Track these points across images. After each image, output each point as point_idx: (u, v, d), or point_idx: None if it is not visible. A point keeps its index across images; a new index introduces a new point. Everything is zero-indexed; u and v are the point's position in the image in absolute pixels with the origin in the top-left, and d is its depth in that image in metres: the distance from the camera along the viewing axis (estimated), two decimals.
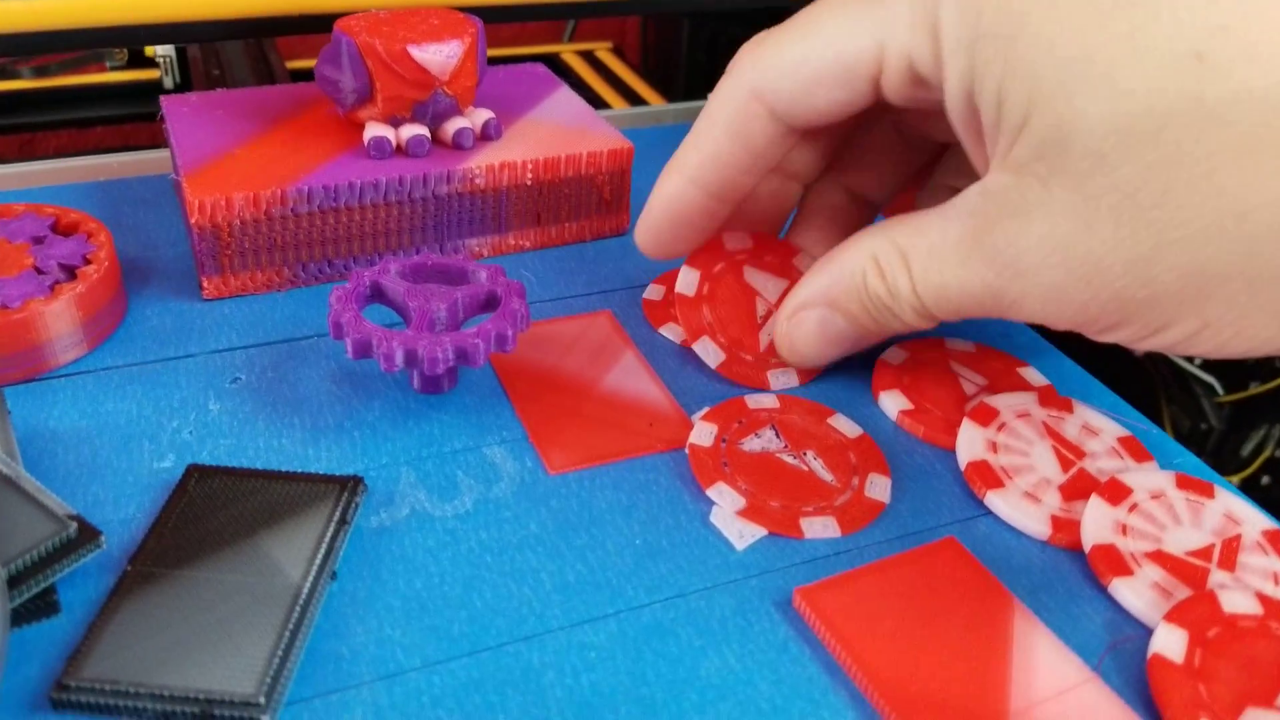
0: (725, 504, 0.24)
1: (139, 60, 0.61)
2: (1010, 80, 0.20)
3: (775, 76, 0.24)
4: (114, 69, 0.60)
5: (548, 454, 0.25)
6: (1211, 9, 0.18)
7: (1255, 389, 0.56)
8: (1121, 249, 0.20)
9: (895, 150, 0.29)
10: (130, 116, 0.60)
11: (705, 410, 0.27)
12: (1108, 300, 0.21)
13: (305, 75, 0.58)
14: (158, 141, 0.70)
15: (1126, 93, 0.19)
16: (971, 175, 0.24)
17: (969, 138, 0.23)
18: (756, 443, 0.26)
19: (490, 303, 0.27)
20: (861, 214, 0.30)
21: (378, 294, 0.27)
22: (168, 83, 0.57)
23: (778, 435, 0.26)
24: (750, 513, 0.23)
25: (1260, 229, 0.19)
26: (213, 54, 0.56)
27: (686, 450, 0.25)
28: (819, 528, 0.23)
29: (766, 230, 0.30)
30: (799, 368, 0.28)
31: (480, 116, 0.33)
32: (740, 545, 0.23)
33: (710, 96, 0.26)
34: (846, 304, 0.25)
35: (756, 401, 0.27)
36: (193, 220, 0.28)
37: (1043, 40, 0.20)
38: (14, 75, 0.59)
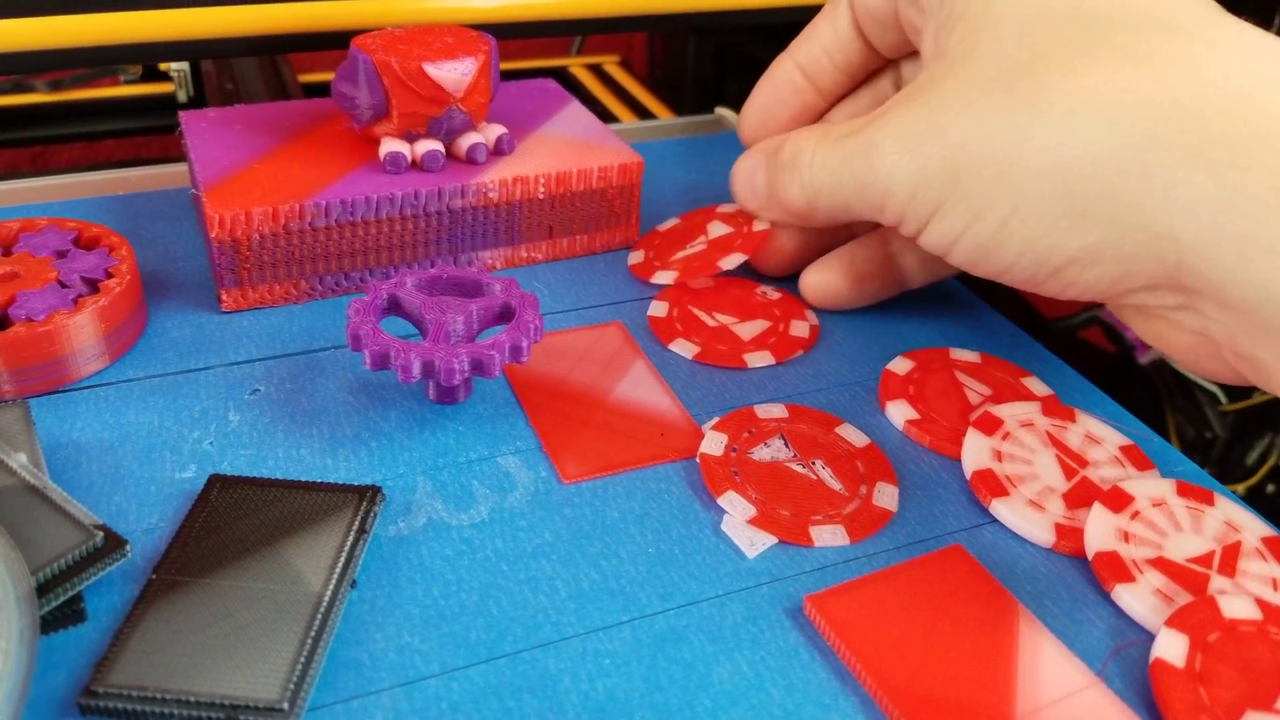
0: (736, 512, 0.24)
1: (152, 74, 0.61)
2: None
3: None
4: (128, 83, 0.60)
5: (561, 463, 0.26)
6: None
7: (1259, 397, 0.56)
8: (957, 133, 0.25)
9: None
10: (145, 130, 0.60)
11: (715, 420, 0.27)
12: (935, 170, 0.25)
13: (318, 89, 0.59)
14: (169, 154, 0.70)
15: (1022, 20, 0.25)
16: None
17: (914, 34, 0.29)
18: (766, 452, 0.26)
19: (505, 314, 0.27)
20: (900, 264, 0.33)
21: (394, 307, 0.27)
22: (181, 96, 0.57)
23: (786, 444, 0.26)
24: (761, 521, 0.24)
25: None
26: (226, 68, 0.57)
27: (698, 460, 0.26)
28: (828, 536, 0.24)
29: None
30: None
31: (493, 131, 0.33)
32: (751, 553, 0.23)
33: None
34: (761, 158, 0.32)
35: (766, 411, 0.27)
36: (212, 234, 0.29)
37: None
38: (29, 89, 0.60)
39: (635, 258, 0.35)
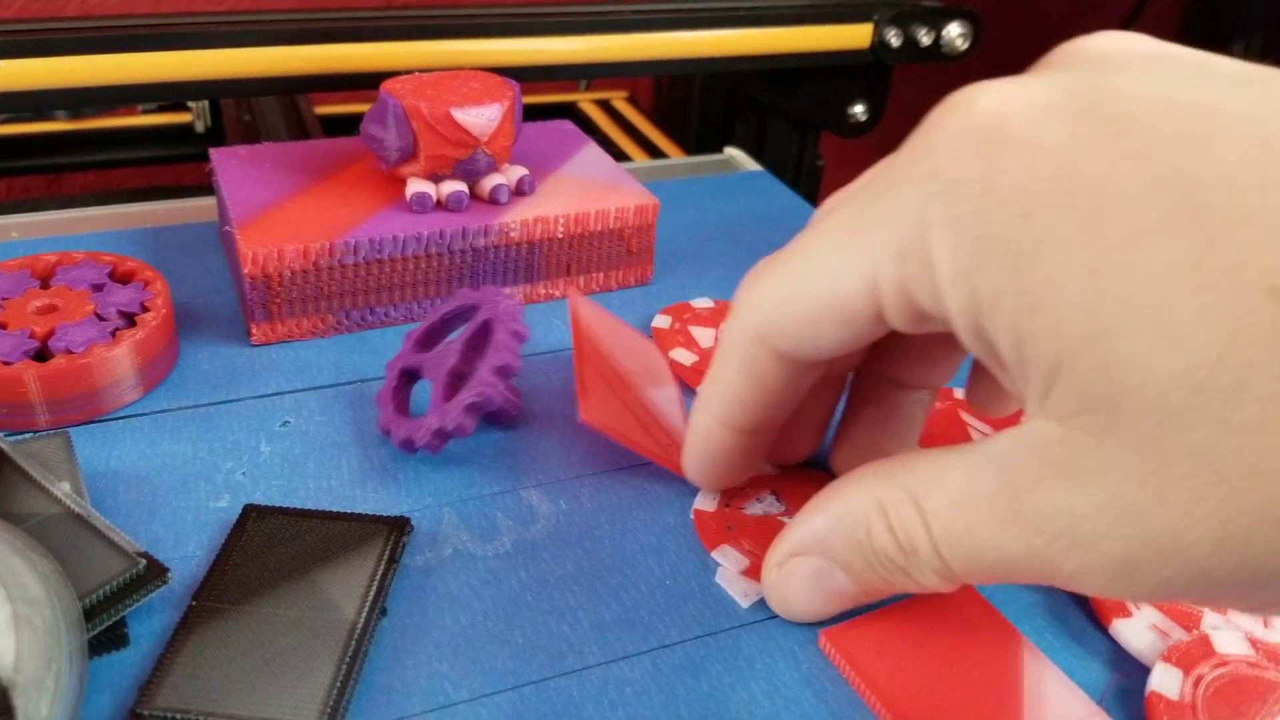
0: (730, 565, 0.25)
1: (171, 104, 0.63)
2: (1027, 318, 0.17)
3: (775, 319, 0.21)
4: (146, 112, 0.62)
5: (586, 404, 0.26)
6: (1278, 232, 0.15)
7: None
8: (1207, 525, 0.16)
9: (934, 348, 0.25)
10: (163, 159, 0.62)
11: None
12: (1196, 579, 0.16)
13: (334, 120, 0.60)
14: (183, 182, 0.72)
15: (1188, 337, 0.15)
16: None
17: (997, 370, 0.19)
18: (758, 507, 0.27)
19: (488, 328, 0.28)
20: (911, 401, 0.26)
21: (410, 376, 0.29)
22: (199, 127, 0.59)
23: (778, 499, 0.27)
24: (754, 573, 0.25)
25: None
26: (244, 100, 0.58)
27: (691, 515, 0.27)
28: None
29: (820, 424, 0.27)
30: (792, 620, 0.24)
31: (515, 173, 0.35)
32: (745, 603, 0.24)
33: (721, 332, 0.25)
34: (847, 556, 0.21)
35: (758, 468, 0.28)
36: (245, 271, 0.30)
37: (1065, 269, 0.16)
38: (49, 116, 0.61)
39: (662, 322, 0.34)
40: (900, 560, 0.20)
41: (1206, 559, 0.16)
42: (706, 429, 0.24)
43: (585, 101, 0.71)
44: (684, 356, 0.32)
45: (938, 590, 0.21)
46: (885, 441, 0.26)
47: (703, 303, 0.35)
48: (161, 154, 0.61)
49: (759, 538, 0.26)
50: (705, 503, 0.27)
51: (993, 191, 0.17)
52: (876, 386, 0.26)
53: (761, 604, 0.24)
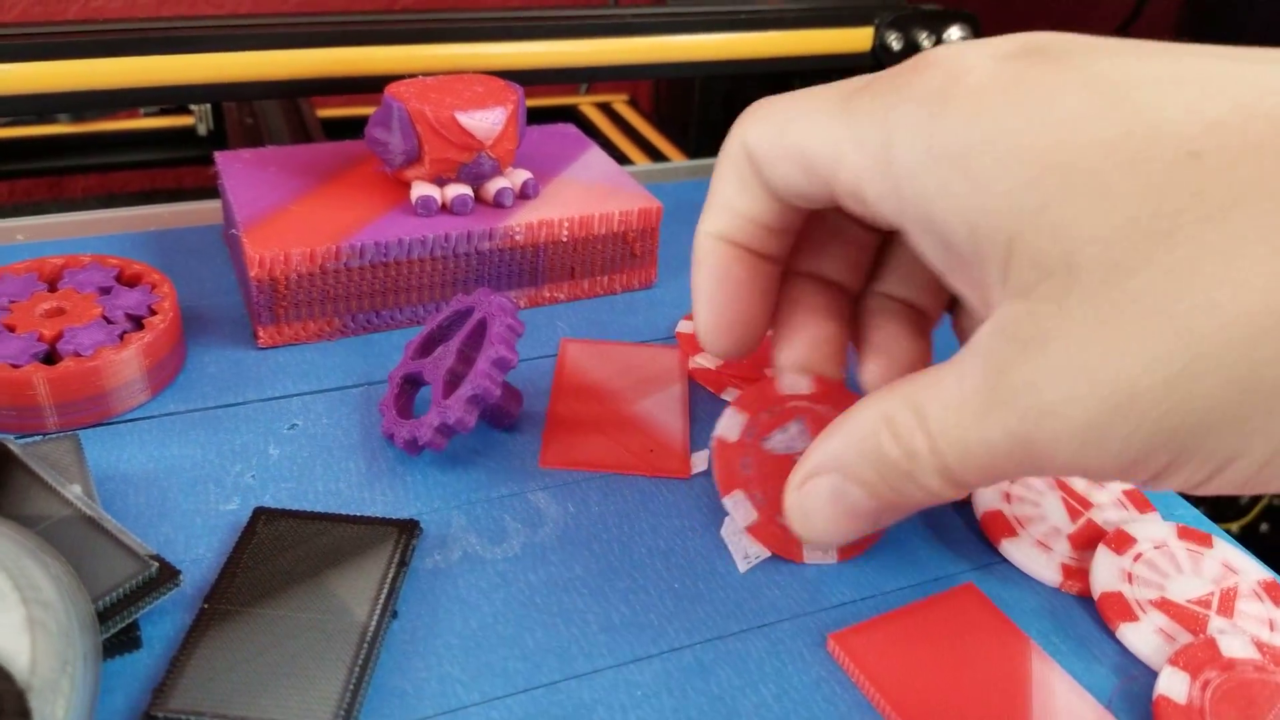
0: (738, 517, 0.25)
1: (174, 106, 0.63)
2: (979, 200, 0.19)
3: (758, 139, 0.23)
4: (148, 115, 0.62)
5: (545, 449, 0.28)
6: (1203, 105, 0.17)
7: None
8: (1156, 366, 0.17)
9: (853, 233, 0.26)
10: (165, 162, 0.62)
11: (738, 395, 0.27)
12: (1152, 433, 0.17)
13: (336, 123, 0.61)
14: (184, 184, 0.72)
15: (1124, 196, 0.17)
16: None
17: (949, 271, 0.21)
18: (781, 439, 0.26)
19: (483, 326, 0.29)
20: (840, 305, 0.27)
21: (412, 383, 0.29)
22: (201, 130, 0.59)
23: (804, 430, 0.26)
24: (759, 531, 0.25)
25: None
26: (247, 102, 0.58)
27: (712, 446, 0.26)
28: (819, 555, 0.25)
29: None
30: (815, 544, 0.25)
31: (519, 177, 0.35)
32: (743, 567, 0.24)
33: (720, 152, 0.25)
34: (860, 470, 0.22)
35: (792, 386, 0.26)
36: (252, 274, 0.30)
37: (1009, 152, 0.18)
38: (51, 119, 0.61)
39: (685, 327, 0.34)
40: (905, 466, 0.21)
41: (1158, 405, 0.17)
42: (707, 249, 0.25)
43: (586, 104, 0.71)
44: (708, 360, 0.33)
45: (946, 497, 0.22)
46: (902, 360, 0.26)
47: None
48: (164, 157, 0.61)
49: (773, 483, 0.25)
50: (729, 429, 0.26)
51: (949, 100, 0.19)
52: (883, 309, 0.26)
53: (771, 605, 0.24)
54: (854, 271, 0.26)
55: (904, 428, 0.21)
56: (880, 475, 0.22)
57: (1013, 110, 0.18)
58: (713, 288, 0.25)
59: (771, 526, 0.25)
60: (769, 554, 0.25)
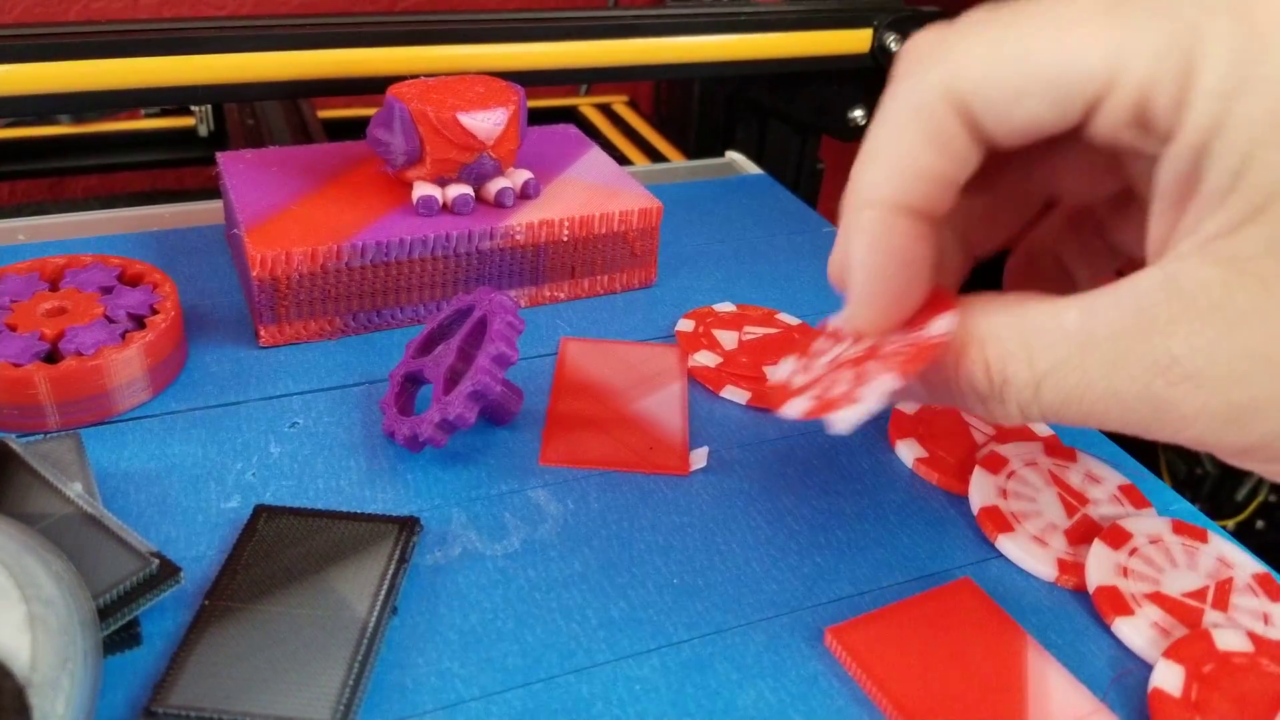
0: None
1: (175, 107, 0.63)
2: (1267, 150, 0.17)
3: (979, 76, 0.19)
4: (149, 115, 0.62)
5: (546, 447, 0.29)
6: None
7: None
8: None
9: (1017, 197, 0.24)
10: (166, 162, 0.62)
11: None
12: None
13: (337, 124, 0.61)
14: (184, 185, 0.72)
15: None
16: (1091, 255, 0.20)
17: (1167, 205, 0.19)
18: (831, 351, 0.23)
19: (483, 324, 0.29)
20: (959, 269, 0.25)
21: (413, 381, 0.29)
22: (202, 130, 0.59)
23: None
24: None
25: None
26: (248, 103, 0.58)
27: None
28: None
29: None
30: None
31: (520, 177, 0.35)
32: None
33: (886, 103, 0.21)
34: (928, 376, 0.21)
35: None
36: (254, 273, 0.30)
37: None
38: (52, 120, 0.61)
39: (685, 325, 0.34)
40: (985, 391, 0.20)
41: None
42: (878, 223, 0.20)
43: (586, 105, 0.71)
44: (708, 359, 0.33)
45: (1008, 422, 0.20)
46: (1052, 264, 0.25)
47: (725, 307, 0.36)
48: (164, 157, 0.61)
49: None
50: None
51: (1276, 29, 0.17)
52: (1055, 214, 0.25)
53: (769, 601, 0.24)
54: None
55: (1002, 354, 0.19)
56: (947, 390, 0.20)
57: None
58: (893, 268, 0.21)
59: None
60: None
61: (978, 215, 0.24)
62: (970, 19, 0.20)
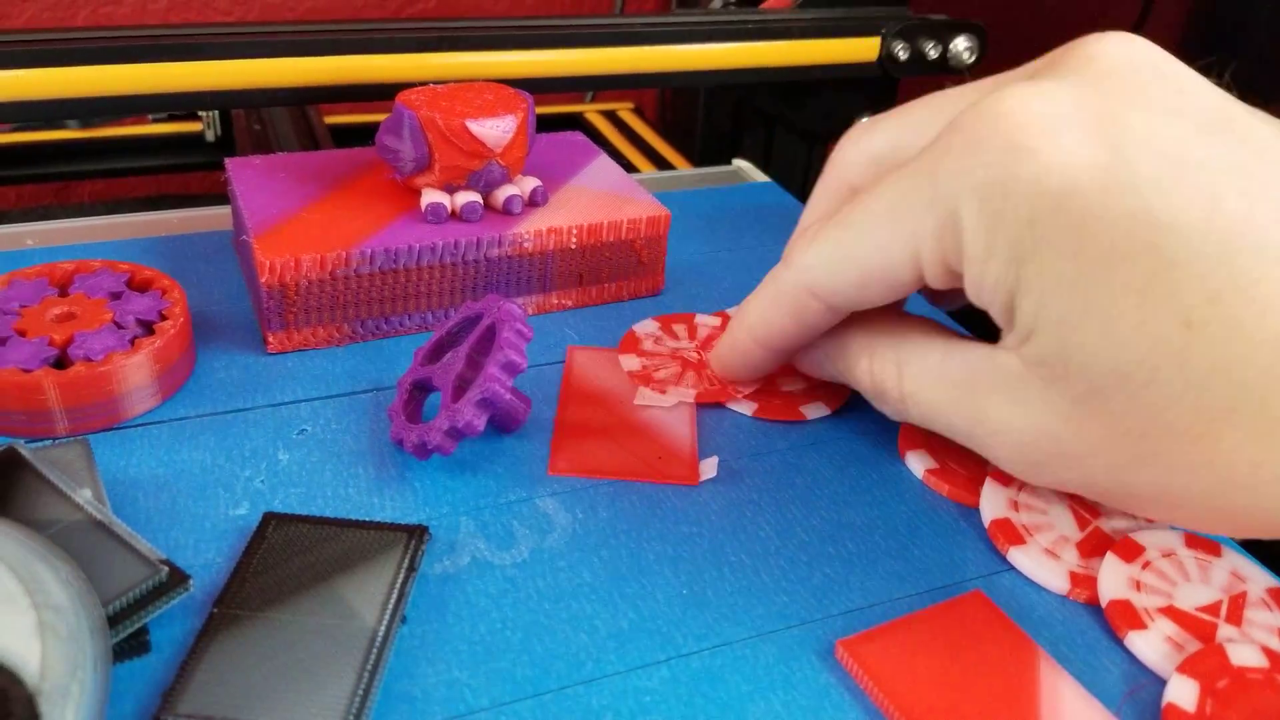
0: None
1: (182, 113, 0.63)
2: (1018, 297, 0.22)
3: (828, 279, 0.26)
4: (156, 121, 0.62)
5: (555, 457, 0.29)
6: (1209, 277, 0.20)
7: None
8: (1106, 455, 0.23)
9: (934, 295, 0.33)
10: (173, 167, 0.62)
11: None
12: (1084, 486, 0.24)
13: (344, 130, 0.61)
14: (191, 190, 0.72)
15: (1122, 344, 0.21)
16: None
17: (986, 305, 0.25)
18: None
19: (492, 331, 0.29)
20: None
21: (421, 389, 0.29)
22: (209, 136, 0.59)
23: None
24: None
25: (1235, 473, 0.21)
26: (254, 109, 0.58)
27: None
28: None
29: None
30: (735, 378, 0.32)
31: (528, 184, 0.35)
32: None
33: (770, 278, 0.28)
34: (813, 356, 0.29)
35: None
36: (262, 280, 0.30)
37: (1051, 269, 0.22)
38: (59, 124, 0.61)
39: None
40: (867, 389, 0.28)
41: (1098, 475, 0.24)
42: (748, 348, 0.30)
43: (591, 112, 0.71)
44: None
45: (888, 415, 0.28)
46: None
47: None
48: (171, 163, 0.61)
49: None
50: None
51: (1007, 197, 0.22)
52: None
53: (780, 612, 0.24)
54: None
55: (881, 366, 0.27)
56: (828, 374, 0.30)
57: (1062, 229, 0.22)
58: (740, 368, 0.31)
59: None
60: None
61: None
62: (825, 225, 0.26)
